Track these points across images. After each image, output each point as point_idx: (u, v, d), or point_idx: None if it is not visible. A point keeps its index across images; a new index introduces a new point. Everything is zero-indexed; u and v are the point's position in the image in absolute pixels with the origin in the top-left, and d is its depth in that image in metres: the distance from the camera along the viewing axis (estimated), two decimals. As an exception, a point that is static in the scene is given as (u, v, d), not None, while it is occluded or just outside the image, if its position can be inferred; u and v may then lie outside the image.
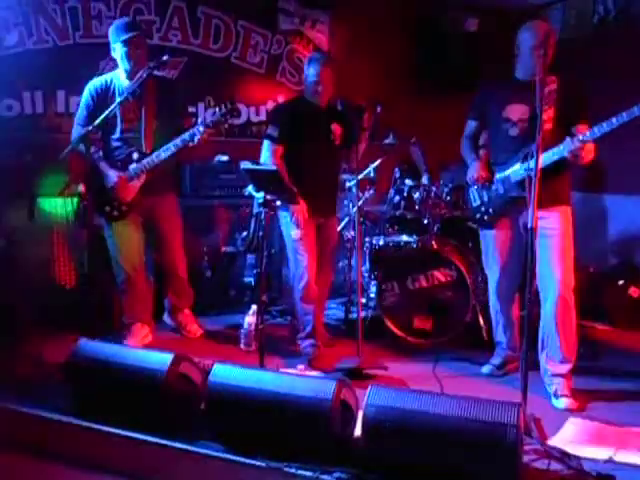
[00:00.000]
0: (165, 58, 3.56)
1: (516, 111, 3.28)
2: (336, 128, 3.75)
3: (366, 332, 3.60)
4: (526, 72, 3.27)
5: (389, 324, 4.16)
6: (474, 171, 3.46)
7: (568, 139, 3.04)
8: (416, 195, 4.38)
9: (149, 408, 2.68)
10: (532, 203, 2.75)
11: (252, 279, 4.80)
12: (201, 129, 3.57)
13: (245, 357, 3.68)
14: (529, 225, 2.75)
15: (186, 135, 3.61)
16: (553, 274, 3.19)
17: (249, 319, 3.81)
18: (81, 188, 3.45)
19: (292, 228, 3.71)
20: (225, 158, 4.79)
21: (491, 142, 3.49)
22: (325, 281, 3.99)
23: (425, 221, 4.38)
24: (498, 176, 3.37)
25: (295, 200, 3.47)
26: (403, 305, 4.16)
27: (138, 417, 2.64)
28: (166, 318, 4.23)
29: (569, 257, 3.22)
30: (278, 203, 3.42)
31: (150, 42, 4.48)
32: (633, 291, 4.55)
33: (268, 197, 3.22)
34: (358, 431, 2.41)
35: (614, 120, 2.88)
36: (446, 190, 4.35)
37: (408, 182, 4.46)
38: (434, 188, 4.37)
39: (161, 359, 2.71)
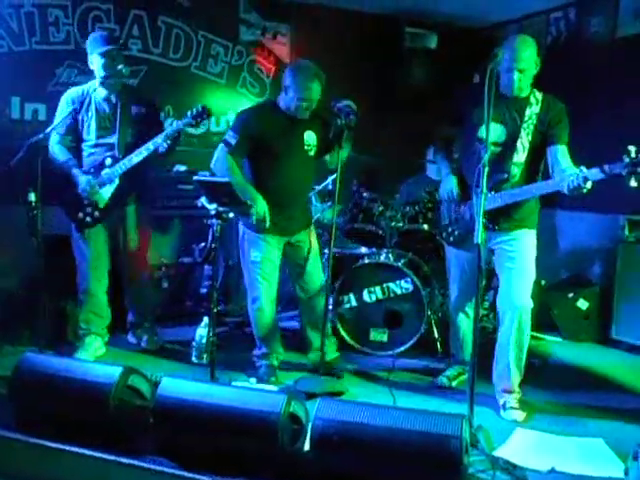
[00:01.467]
0: (120, 67, 3.58)
1: (492, 132, 3.01)
2: (312, 137, 3.52)
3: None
4: (507, 88, 3.16)
5: (345, 335, 4.18)
6: (449, 186, 3.38)
7: (575, 173, 2.81)
8: (374, 208, 4.41)
9: (96, 423, 2.62)
10: (479, 220, 2.73)
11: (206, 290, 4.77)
12: (170, 132, 3.58)
13: (200, 369, 3.63)
14: (475, 240, 2.73)
15: (158, 138, 3.60)
16: (512, 297, 3.19)
17: (200, 331, 3.76)
18: (32, 197, 3.38)
19: (252, 249, 3.54)
20: (183, 168, 4.75)
21: (464, 160, 3.39)
22: (314, 306, 3.68)
23: (382, 234, 4.40)
24: (469, 201, 3.31)
25: (248, 212, 3.32)
26: (359, 317, 4.20)
27: (85, 432, 2.58)
28: (130, 337, 4.16)
29: (529, 281, 3.21)
30: (231, 215, 3.39)
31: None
32: (581, 303, 4.64)
33: (220, 209, 3.20)
34: (308, 445, 2.41)
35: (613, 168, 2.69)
36: (403, 203, 4.40)
37: (366, 195, 4.48)
38: (392, 201, 4.40)
39: (109, 372, 2.67)
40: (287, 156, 3.46)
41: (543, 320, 4.65)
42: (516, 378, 3.26)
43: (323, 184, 4.61)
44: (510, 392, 3.25)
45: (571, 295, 4.69)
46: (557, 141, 3.11)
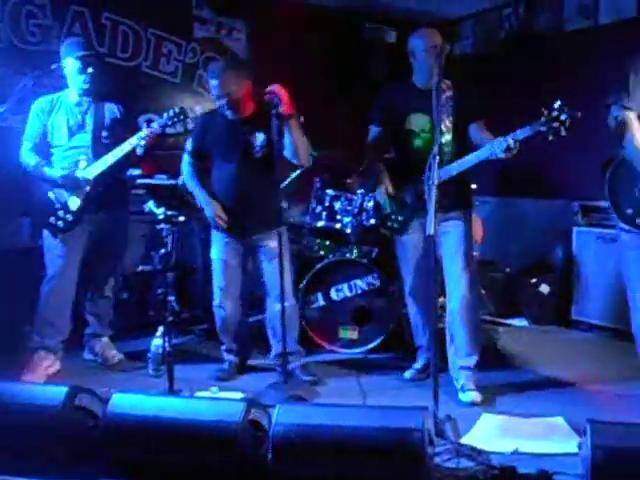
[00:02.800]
0: (54, 67, 3.49)
1: (418, 121, 3.35)
2: (260, 138, 3.46)
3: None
4: (423, 78, 3.35)
5: (313, 335, 4.10)
6: (382, 184, 3.50)
7: (499, 139, 3.04)
8: (337, 205, 4.35)
9: (44, 448, 2.44)
10: (431, 211, 2.80)
11: (172, 298, 4.58)
12: (146, 132, 3.51)
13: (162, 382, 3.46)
14: (427, 232, 2.78)
15: (133, 139, 3.52)
16: (456, 273, 3.33)
17: (156, 342, 3.56)
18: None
19: (213, 246, 3.64)
20: (138, 172, 4.58)
21: (397, 153, 3.55)
22: (273, 311, 3.54)
23: (347, 230, 4.32)
24: (406, 188, 3.43)
25: (198, 216, 3.32)
26: (328, 316, 4.15)
27: (35, 460, 2.41)
28: (86, 355, 3.96)
29: (470, 257, 3.39)
30: (182, 219, 3.25)
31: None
32: (543, 288, 4.81)
33: (169, 213, 3.06)
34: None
35: (535, 127, 2.96)
36: (368, 199, 4.30)
37: (329, 192, 4.41)
38: (355, 197, 4.32)
39: (54, 393, 2.50)
40: (228, 160, 3.50)
41: (509, 306, 4.94)
42: (472, 355, 3.35)
43: (285, 182, 4.50)
44: (467, 369, 3.33)
45: (533, 280, 4.85)
46: (475, 119, 3.33)
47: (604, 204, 4.23)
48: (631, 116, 2.91)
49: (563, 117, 2.87)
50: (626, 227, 3.00)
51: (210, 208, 3.49)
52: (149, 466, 2.38)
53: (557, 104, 2.89)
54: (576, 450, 2.39)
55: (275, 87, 3.28)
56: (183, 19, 5.20)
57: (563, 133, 2.89)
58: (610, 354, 4.07)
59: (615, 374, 3.64)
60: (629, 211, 2.96)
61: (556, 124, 2.88)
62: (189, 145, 3.64)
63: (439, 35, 3.35)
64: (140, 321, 4.54)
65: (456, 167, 3.21)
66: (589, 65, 4.75)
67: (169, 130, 5.13)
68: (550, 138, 2.92)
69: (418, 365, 3.63)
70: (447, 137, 3.31)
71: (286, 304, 3.36)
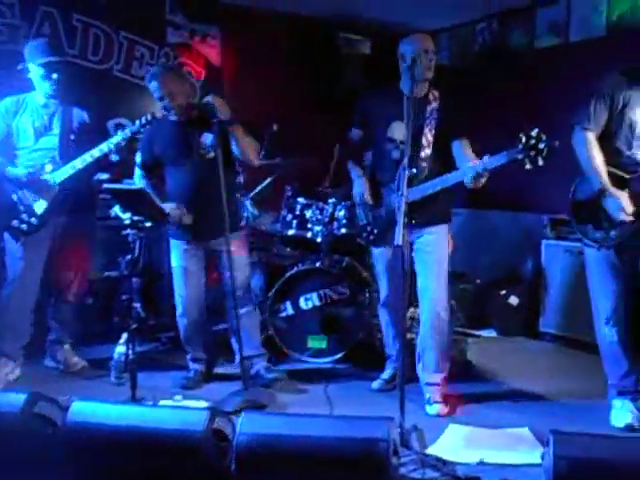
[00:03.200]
0: (20, 67, 3.45)
1: (399, 131, 3.26)
2: (209, 138, 3.40)
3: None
4: (414, 86, 3.21)
5: (281, 344, 4.06)
6: (360, 190, 3.44)
7: (469, 166, 3.03)
8: (308, 213, 4.31)
9: (2, 455, 2.37)
10: (400, 222, 2.78)
11: (138, 304, 4.51)
12: (117, 139, 3.47)
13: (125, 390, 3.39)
14: (395, 242, 2.74)
15: (103, 145, 3.47)
16: (428, 291, 3.31)
17: (119, 349, 3.49)
18: None
19: (172, 254, 3.63)
20: (106, 176, 4.50)
21: (376, 161, 3.48)
22: (233, 317, 3.46)
23: (318, 239, 4.28)
24: (383, 200, 3.39)
25: (164, 221, 3.29)
26: (296, 325, 4.11)
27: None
28: (48, 362, 3.86)
29: (443, 275, 3.33)
30: (148, 224, 3.20)
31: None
32: (512, 300, 4.86)
33: (135, 218, 3.01)
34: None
35: (511, 154, 2.91)
36: (339, 208, 4.28)
37: (300, 200, 4.38)
38: (327, 206, 4.29)
39: (12, 401, 2.41)
40: (180, 163, 3.47)
41: (479, 318, 4.98)
42: (440, 372, 3.34)
43: (256, 190, 4.47)
44: (434, 385, 3.32)
45: (503, 292, 4.91)
46: (458, 135, 3.26)
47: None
48: (590, 137, 2.98)
49: (541, 146, 2.81)
50: (591, 243, 3.05)
51: (175, 212, 3.41)
52: (110, 476, 2.33)
53: (535, 132, 2.82)
54: (539, 461, 2.38)
55: (209, 98, 3.30)
56: (156, 24, 5.14)
57: (540, 163, 2.83)
58: (576, 366, 4.10)
59: (580, 385, 3.68)
60: (591, 228, 3.03)
61: (533, 153, 2.82)
62: (138, 158, 3.61)
63: (431, 41, 3.29)
64: (105, 327, 4.45)
65: (430, 187, 3.16)
66: (559, 81, 4.85)
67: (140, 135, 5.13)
68: (527, 167, 2.84)
69: (386, 375, 3.60)
70: (427, 151, 3.24)
71: (243, 310, 3.41)
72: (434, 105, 3.27)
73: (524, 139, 2.82)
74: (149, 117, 3.46)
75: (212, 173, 3.29)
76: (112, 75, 4.97)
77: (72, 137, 3.62)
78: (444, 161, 3.26)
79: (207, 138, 3.43)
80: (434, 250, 3.30)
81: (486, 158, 2.99)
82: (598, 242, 3.01)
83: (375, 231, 3.42)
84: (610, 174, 2.95)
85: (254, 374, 3.54)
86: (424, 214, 3.22)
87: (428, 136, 3.23)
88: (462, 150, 3.23)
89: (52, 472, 2.37)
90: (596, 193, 2.95)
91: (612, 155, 2.98)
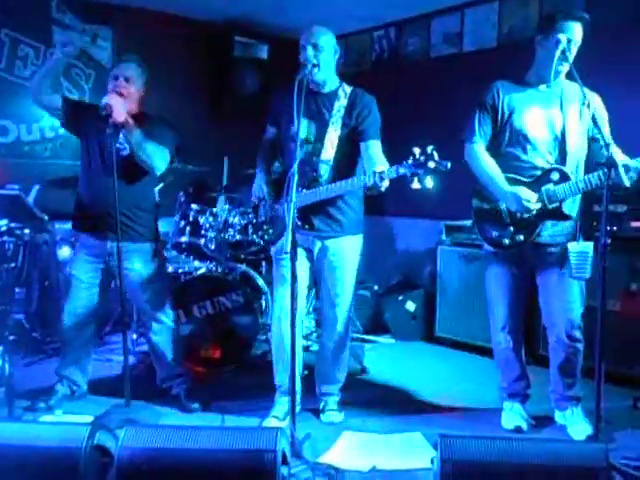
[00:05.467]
0: None
1: (302, 129, 3.03)
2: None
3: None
4: (314, 81, 3.08)
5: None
6: (258, 183, 3.29)
7: (369, 174, 2.85)
8: (202, 220, 4.22)
9: None
10: (288, 228, 2.69)
11: (21, 315, 4.30)
12: None
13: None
14: (285, 250, 2.69)
15: None
16: (331, 308, 3.22)
17: (-7, 363, 3.32)
18: None
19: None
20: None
21: (282, 159, 3.30)
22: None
23: (212, 246, 4.20)
24: (282, 198, 3.19)
25: (44, 229, 3.09)
26: (190, 334, 3.96)
27: None
28: None
29: (350, 291, 3.23)
30: (27, 231, 3.05)
31: None
32: (409, 305, 4.92)
33: (12, 225, 2.87)
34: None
35: (395, 170, 2.76)
36: (233, 214, 4.24)
37: (194, 207, 4.28)
38: (221, 212, 4.23)
39: None
40: (97, 156, 3.26)
41: (376, 323, 5.00)
42: (338, 381, 3.33)
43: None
44: (329, 394, 3.31)
45: (400, 298, 4.94)
46: (367, 136, 3.07)
47: (467, 224, 4.44)
48: (479, 149, 3.03)
49: (430, 165, 2.63)
50: (491, 249, 3.10)
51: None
52: None
53: (429, 148, 2.66)
54: (429, 465, 2.41)
55: (106, 98, 3.07)
56: (41, 22, 4.92)
57: (428, 184, 2.67)
58: (471, 370, 4.19)
59: (475, 389, 3.76)
60: (494, 233, 3.05)
61: (421, 171, 2.65)
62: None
63: (317, 34, 3.07)
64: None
65: (323, 192, 3.00)
66: (453, 91, 4.93)
67: (24, 138, 4.91)
68: (413, 186, 2.68)
69: (278, 410, 3.22)
70: (330, 152, 3.07)
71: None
72: (343, 102, 3.09)
73: (416, 154, 2.66)
74: None
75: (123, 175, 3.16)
76: (-6, 75, 4.74)
77: None
78: (349, 165, 3.10)
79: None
80: (340, 265, 3.16)
81: (378, 168, 2.83)
82: (499, 244, 3.03)
83: (270, 231, 3.29)
84: (510, 180, 2.97)
85: (175, 395, 3.42)
86: (329, 224, 3.13)
87: (332, 135, 3.06)
88: (369, 153, 3.03)
89: None
90: (497, 198, 3.00)
91: (509, 162, 3.00)
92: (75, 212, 3.38)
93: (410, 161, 2.67)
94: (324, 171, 3.08)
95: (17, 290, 4.29)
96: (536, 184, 2.95)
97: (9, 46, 4.78)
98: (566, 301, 3.01)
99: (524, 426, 3.11)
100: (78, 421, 2.85)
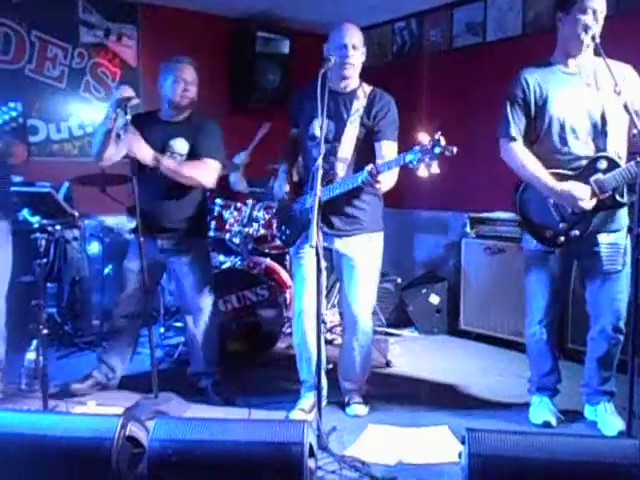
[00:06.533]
0: None
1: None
2: (181, 144, 3.35)
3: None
4: (336, 79, 3.07)
5: None
6: (278, 184, 3.30)
7: (365, 170, 2.83)
8: (226, 214, 4.29)
9: None
10: (313, 222, 2.64)
11: (54, 310, 4.42)
12: None
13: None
14: (310, 243, 2.65)
15: None
16: (354, 307, 3.18)
17: (30, 356, 3.43)
18: None
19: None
20: (19, 179, 4.38)
21: (302, 159, 3.32)
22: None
23: (237, 241, 4.29)
24: (299, 198, 3.24)
25: (75, 225, 3.18)
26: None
27: None
28: None
29: (371, 289, 3.20)
30: (58, 227, 3.14)
31: None
32: (433, 298, 4.87)
33: (45, 222, 2.96)
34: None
35: (401, 158, 2.73)
36: (257, 208, 4.31)
37: (218, 201, 4.36)
38: (245, 207, 4.29)
39: None
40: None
41: (400, 317, 4.94)
42: (361, 378, 3.32)
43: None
44: (353, 387, 3.30)
45: (424, 291, 4.90)
46: (381, 137, 3.06)
47: (492, 216, 4.57)
48: (516, 147, 2.92)
49: (436, 150, 2.59)
50: (539, 247, 2.96)
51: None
52: None
53: (436, 134, 2.61)
54: (457, 459, 2.44)
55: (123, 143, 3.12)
56: (68, 23, 5.03)
57: (434, 170, 2.61)
58: (496, 363, 4.14)
59: (501, 383, 3.73)
60: (548, 232, 2.91)
61: (427, 157, 2.60)
62: None
63: (356, 35, 3.05)
64: (19, 334, 4.34)
65: (337, 187, 2.98)
66: (477, 81, 4.91)
67: (54, 137, 5.02)
68: (421, 173, 2.63)
69: (303, 404, 3.23)
70: (346, 151, 3.06)
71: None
72: (362, 102, 3.08)
73: (423, 142, 2.63)
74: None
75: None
76: (25, 75, 4.84)
77: None
78: (368, 162, 2.95)
79: (179, 144, 3.36)
80: (360, 263, 3.14)
81: (379, 161, 2.86)
82: (554, 243, 2.90)
83: (287, 232, 3.29)
84: (554, 175, 2.85)
85: (202, 389, 3.49)
86: (348, 222, 3.11)
87: (350, 135, 3.05)
88: (383, 153, 3.01)
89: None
90: (545, 194, 2.87)
91: (549, 155, 2.88)
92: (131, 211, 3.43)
93: (417, 148, 2.64)
94: (340, 169, 3.08)
95: (49, 285, 4.41)
96: (583, 176, 2.81)
97: (39, 47, 4.89)
98: (614, 292, 2.91)
99: (553, 421, 3.05)
100: (109, 413, 2.94)
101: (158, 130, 3.36)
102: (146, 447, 2.34)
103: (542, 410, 3.11)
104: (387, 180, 2.90)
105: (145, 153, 3.18)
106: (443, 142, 2.59)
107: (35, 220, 3.03)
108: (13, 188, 2.99)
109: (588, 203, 2.78)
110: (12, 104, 3.00)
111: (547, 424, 3.04)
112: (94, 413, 2.91)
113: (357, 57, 3.07)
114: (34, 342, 3.45)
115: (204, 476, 2.21)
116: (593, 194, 2.79)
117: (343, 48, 3.01)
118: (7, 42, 4.74)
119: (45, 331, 3.02)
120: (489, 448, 2.12)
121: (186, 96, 3.34)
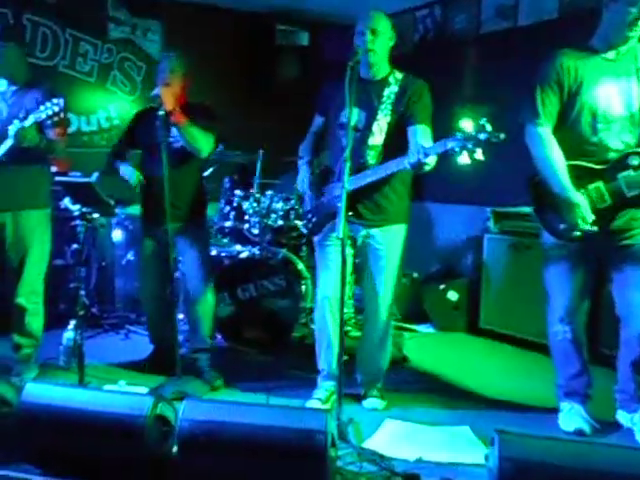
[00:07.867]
0: None
1: (353, 116, 2.91)
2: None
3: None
4: (365, 67, 3.01)
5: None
6: (301, 176, 3.29)
7: (410, 154, 2.77)
8: (245, 205, 4.41)
9: None
10: (341, 213, 2.63)
11: (83, 292, 4.67)
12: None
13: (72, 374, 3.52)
14: (338, 235, 2.65)
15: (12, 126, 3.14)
16: (375, 298, 3.14)
17: (68, 335, 3.66)
18: None
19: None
20: (52, 169, 4.62)
21: (329, 148, 3.25)
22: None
23: (255, 231, 4.40)
24: (326, 187, 3.20)
25: (111, 213, 3.35)
26: (234, 315, 4.12)
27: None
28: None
29: (392, 281, 3.13)
30: (96, 215, 3.36)
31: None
32: (451, 295, 4.73)
33: (84, 210, 3.18)
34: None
35: (443, 144, 2.66)
36: (276, 199, 4.39)
37: (238, 193, 4.48)
38: (264, 198, 4.39)
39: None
40: (152, 148, 3.38)
41: (416, 312, 4.81)
42: (379, 371, 3.29)
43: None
44: (372, 383, 3.28)
45: (442, 287, 4.75)
46: (415, 121, 2.96)
47: (517, 210, 4.28)
48: (544, 134, 2.74)
49: (481, 137, 2.51)
50: (553, 240, 2.83)
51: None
52: (59, 454, 2.46)
53: (482, 121, 2.53)
54: (482, 461, 2.32)
55: (156, 90, 3.23)
56: (98, 20, 5.27)
57: (479, 156, 2.53)
58: (517, 364, 4.03)
59: (523, 385, 3.61)
60: (561, 225, 2.74)
61: (471, 144, 2.52)
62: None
63: (376, 19, 2.99)
64: (52, 314, 4.55)
65: (369, 175, 2.92)
66: (508, 68, 4.53)
67: (84, 129, 5.26)
68: (462, 160, 2.55)
69: (321, 393, 3.22)
70: (377, 138, 2.98)
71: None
72: (393, 89, 3.00)
73: (466, 128, 2.54)
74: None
75: (179, 165, 3.41)
76: (58, 71, 5.12)
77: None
78: (400, 149, 2.92)
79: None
80: (386, 254, 3.09)
81: (424, 144, 2.76)
82: (567, 236, 2.74)
83: (314, 220, 3.24)
84: (578, 167, 2.70)
85: (198, 368, 3.55)
86: (375, 212, 3.06)
87: (381, 122, 2.98)
88: (417, 137, 2.91)
89: (6, 449, 2.51)
90: (555, 192, 2.73)
91: (576, 144, 2.72)
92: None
93: (459, 134, 2.56)
94: (371, 157, 3.02)
95: (80, 269, 4.66)
96: (611, 171, 2.66)
97: (72, 44, 5.15)
98: None
99: (586, 429, 2.83)
100: (138, 392, 3.11)
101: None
102: (174, 426, 2.48)
103: (574, 417, 2.90)
104: (433, 162, 2.79)
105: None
106: (489, 128, 2.50)
107: (76, 208, 3.22)
108: (57, 179, 3.18)
109: (585, 226, 2.66)
110: (55, 100, 3.13)
111: (580, 432, 2.83)
112: (127, 391, 3.09)
113: (379, 43, 2.99)
114: (71, 322, 3.68)
115: (230, 457, 2.29)
116: (619, 191, 2.65)
117: (361, 34, 2.98)
118: (44, 41, 5.02)
119: (82, 312, 3.22)
120: (521, 452, 2.03)
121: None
